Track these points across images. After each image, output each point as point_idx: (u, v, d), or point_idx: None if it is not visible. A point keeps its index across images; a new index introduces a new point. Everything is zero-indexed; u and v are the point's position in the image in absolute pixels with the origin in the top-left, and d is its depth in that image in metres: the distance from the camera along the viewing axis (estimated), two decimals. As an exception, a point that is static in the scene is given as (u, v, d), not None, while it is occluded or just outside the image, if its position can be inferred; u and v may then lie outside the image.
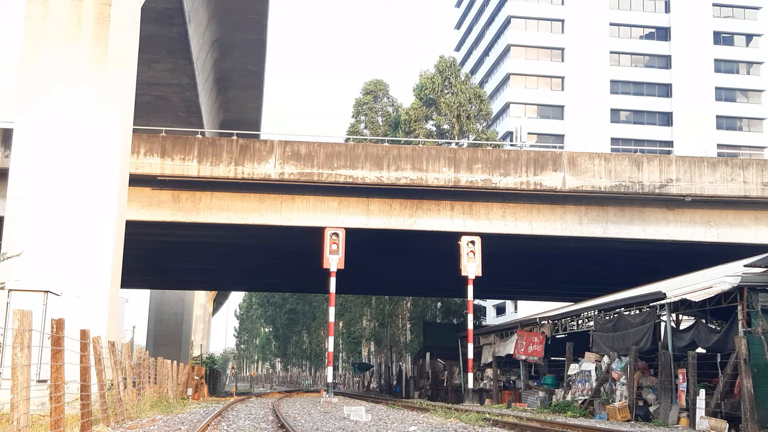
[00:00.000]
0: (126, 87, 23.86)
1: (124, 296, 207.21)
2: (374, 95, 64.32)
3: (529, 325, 31.74)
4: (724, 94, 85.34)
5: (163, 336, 64.22)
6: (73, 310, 19.78)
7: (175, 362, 31.97)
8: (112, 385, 16.35)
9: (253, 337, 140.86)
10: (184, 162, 29.61)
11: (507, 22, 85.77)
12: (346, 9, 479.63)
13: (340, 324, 73.32)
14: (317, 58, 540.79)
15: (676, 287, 22.06)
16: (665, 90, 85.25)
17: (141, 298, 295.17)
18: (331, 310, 31.59)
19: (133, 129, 26.41)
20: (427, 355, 48.27)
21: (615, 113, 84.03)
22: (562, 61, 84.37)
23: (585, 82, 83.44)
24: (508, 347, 32.32)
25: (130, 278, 37.32)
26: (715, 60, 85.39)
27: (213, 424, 17.38)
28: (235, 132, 32.64)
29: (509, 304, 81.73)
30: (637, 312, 23.20)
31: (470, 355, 31.73)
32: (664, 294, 21.31)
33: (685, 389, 19.25)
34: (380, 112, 64.11)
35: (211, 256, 42.95)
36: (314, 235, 31.04)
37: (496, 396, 32.78)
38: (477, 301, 63.85)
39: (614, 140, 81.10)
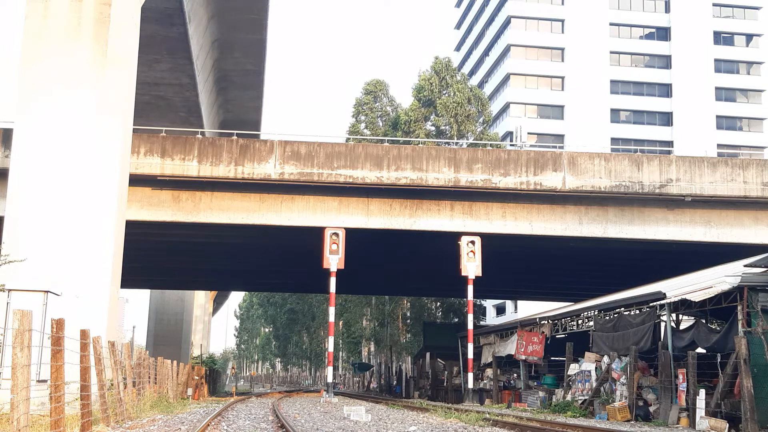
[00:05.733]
0: (126, 87, 23.86)
1: (124, 296, 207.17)
2: (374, 95, 64.31)
3: (529, 325, 31.74)
4: (724, 94, 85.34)
5: (163, 336, 64.28)
6: (73, 310, 19.77)
7: (175, 362, 31.98)
8: (112, 385, 16.35)
9: (253, 337, 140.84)
10: (184, 162, 29.61)
11: (507, 22, 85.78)
12: (346, 9, 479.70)
13: (340, 324, 73.33)
14: (317, 58, 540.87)
15: (676, 287, 22.06)
16: (665, 90, 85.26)
17: (141, 298, 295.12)
18: (331, 310, 31.61)
19: (133, 129, 26.40)
20: (427, 355, 48.27)
21: (615, 113, 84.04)
22: (562, 61, 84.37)
23: (585, 82, 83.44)
24: (508, 347, 32.31)
25: (130, 278, 37.34)
26: (715, 60, 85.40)
27: (213, 424, 17.39)
28: (235, 132, 32.65)
29: (509, 304, 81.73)
30: (637, 312, 23.20)
31: (470, 355, 31.73)
32: (664, 294, 21.30)
33: (685, 389, 19.24)
34: (380, 112, 64.11)
35: (211, 256, 42.96)
36: (314, 235, 31.05)
37: (496, 396, 32.77)
38: (477, 301, 63.83)
39: (614, 140, 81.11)
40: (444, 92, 55.64)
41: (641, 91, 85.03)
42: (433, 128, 55.79)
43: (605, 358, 23.77)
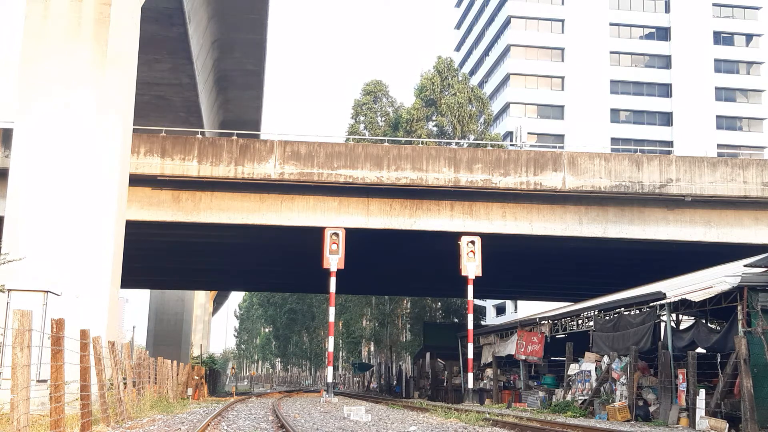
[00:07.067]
0: (126, 87, 23.86)
1: (124, 296, 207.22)
2: (374, 96, 64.31)
3: (529, 325, 31.74)
4: (724, 94, 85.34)
5: (163, 336, 64.27)
6: (73, 310, 19.78)
7: (175, 362, 31.97)
8: (112, 385, 16.34)
9: (253, 337, 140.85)
10: (184, 162, 29.61)
11: (507, 22, 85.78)
12: (346, 9, 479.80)
13: (340, 324, 73.33)
14: (317, 58, 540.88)
15: (676, 287, 22.05)
16: (665, 90, 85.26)
17: (141, 298, 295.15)
18: (331, 310, 31.61)
19: (133, 129, 26.41)
20: (427, 355, 48.27)
21: (615, 113, 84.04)
22: (562, 61, 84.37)
23: (585, 82, 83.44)
24: (508, 347, 32.31)
25: (130, 278, 37.33)
26: (715, 60, 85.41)
27: (213, 424, 17.39)
28: (235, 132, 32.63)
29: (509, 304, 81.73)
30: (637, 312, 23.19)
31: (470, 355, 31.73)
32: (664, 294, 21.30)
33: (685, 389, 19.25)
34: (380, 113, 64.10)
35: (211, 256, 42.95)
36: (314, 235, 31.05)
37: (496, 396, 32.77)
38: (477, 301, 63.80)
39: (614, 140, 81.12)
40: (446, 92, 55.65)
41: (641, 91, 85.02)
42: (435, 128, 55.78)
43: (605, 358, 23.77)
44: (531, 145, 54.55)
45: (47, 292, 19.36)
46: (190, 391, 37.40)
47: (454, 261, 31.35)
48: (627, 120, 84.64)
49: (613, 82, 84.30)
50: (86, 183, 22.34)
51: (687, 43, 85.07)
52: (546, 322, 30.51)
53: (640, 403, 21.14)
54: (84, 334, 13.10)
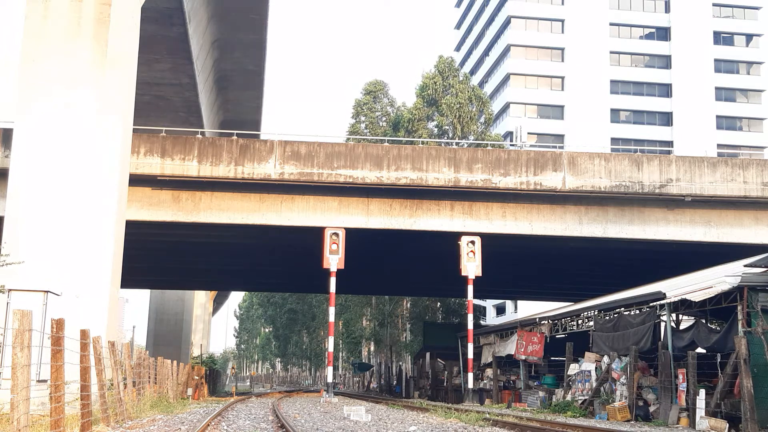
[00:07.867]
0: (126, 87, 23.86)
1: (124, 296, 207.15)
2: (374, 95, 64.34)
3: (529, 325, 31.73)
4: (724, 94, 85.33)
5: (163, 336, 64.28)
6: (73, 310, 19.79)
7: (175, 362, 31.97)
8: (112, 385, 16.34)
9: (253, 337, 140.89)
10: (184, 162, 29.61)
11: (507, 22, 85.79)
12: (346, 9, 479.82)
13: (340, 324, 73.33)
14: (317, 58, 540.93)
15: (676, 287, 22.05)
16: (665, 90, 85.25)
17: (141, 298, 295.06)
18: (331, 310, 31.61)
19: (133, 129, 26.41)
20: (427, 355, 48.28)
21: (615, 113, 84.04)
22: (562, 61, 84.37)
23: (585, 82, 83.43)
24: (509, 347, 32.31)
25: (130, 278, 37.33)
26: (715, 60, 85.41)
27: (213, 424, 17.39)
28: (235, 132, 32.64)
29: (509, 304, 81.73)
30: (637, 312, 23.19)
31: (470, 355, 31.73)
32: (664, 294, 21.30)
33: (685, 389, 19.24)
34: (380, 113, 64.12)
35: (211, 256, 42.95)
36: (314, 235, 31.05)
37: (496, 396, 32.77)
38: (477, 301, 63.81)
39: (614, 140, 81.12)
40: (446, 92, 55.67)
41: (641, 91, 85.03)
42: (435, 128, 55.78)
43: (605, 358, 23.77)
44: (531, 145, 54.55)
45: (47, 292, 19.37)
46: (190, 391, 37.40)
47: (454, 261, 31.35)
48: (627, 120, 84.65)
49: (613, 82, 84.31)
50: (86, 183, 22.34)
51: (687, 43, 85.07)
52: (546, 322, 30.51)
53: (640, 403, 21.14)
54: (84, 334, 13.10)
